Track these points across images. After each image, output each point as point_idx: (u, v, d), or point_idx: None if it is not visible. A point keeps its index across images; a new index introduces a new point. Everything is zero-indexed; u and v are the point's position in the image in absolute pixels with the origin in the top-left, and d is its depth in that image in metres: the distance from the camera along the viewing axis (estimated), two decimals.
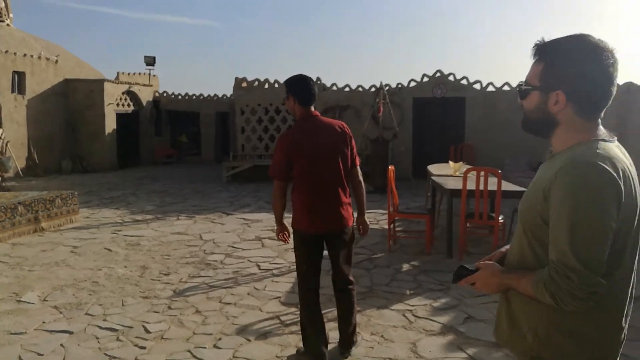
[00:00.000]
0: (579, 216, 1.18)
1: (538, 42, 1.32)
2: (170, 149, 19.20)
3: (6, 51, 13.89)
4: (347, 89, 14.18)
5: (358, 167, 3.21)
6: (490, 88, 12.98)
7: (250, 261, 5.64)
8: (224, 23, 67.10)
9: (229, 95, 17.97)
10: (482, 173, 5.01)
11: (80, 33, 55.15)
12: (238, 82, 14.33)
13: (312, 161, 2.96)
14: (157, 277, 5.00)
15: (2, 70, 13.72)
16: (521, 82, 1.40)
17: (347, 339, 3.27)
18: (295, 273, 3.27)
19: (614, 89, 1.28)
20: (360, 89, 14.10)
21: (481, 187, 4.99)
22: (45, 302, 4.23)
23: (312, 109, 3.08)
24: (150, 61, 18.98)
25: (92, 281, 4.82)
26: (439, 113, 13.52)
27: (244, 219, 8.16)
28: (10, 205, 6.53)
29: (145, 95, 18.26)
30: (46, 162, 15.08)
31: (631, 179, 1.23)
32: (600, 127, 1.31)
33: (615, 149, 1.27)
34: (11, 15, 16.94)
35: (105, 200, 10.07)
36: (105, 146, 16.15)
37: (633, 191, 1.23)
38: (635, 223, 1.25)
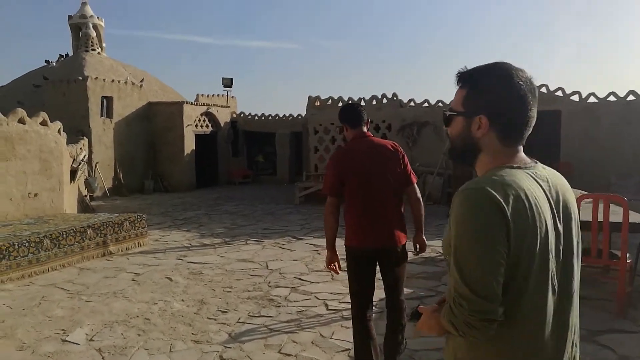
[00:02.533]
0: (462, 242, 1.19)
1: (460, 70, 1.35)
2: (247, 169, 19.28)
3: (96, 77, 14.61)
4: (425, 104, 13.35)
5: (415, 185, 3.19)
6: (592, 99, 11.53)
7: (318, 298, 5.02)
8: (302, 45, 68.46)
9: (303, 115, 17.75)
10: (601, 201, 4.04)
11: (165, 59, 58.76)
12: (311, 101, 14.00)
13: (363, 179, 2.98)
14: (213, 315, 4.52)
15: (92, 95, 14.41)
16: (444, 110, 1.41)
17: (393, 352, 3.19)
18: None
19: (533, 115, 1.29)
20: (440, 104, 13.21)
21: (599, 218, 4.02)
22: (90, 343, 3.87)
23: (364, 129, 3.15)
24: (228, 83, 19.31)
25: (145, 318, 4.43)
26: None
27: (313, 245, 7.59)
28: (79, 228, 6.45)
29: (223, 117, 18.52)
30: (130, 181, 15.60)
31: (533, 206, 1.20)
32: (521, 153, 1.32)
33: (522, 175, 1.25)
34: (104, 44, 17.96)
35: (178, 222, 9.98)
36: (184, 166, 16.46)
37: (534, 217, 1.20)
38: (539, 250, 1.20)
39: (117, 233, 6.97)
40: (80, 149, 12.15)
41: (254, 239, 8.06)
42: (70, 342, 3.87)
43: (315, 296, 5.08)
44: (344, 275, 5.89)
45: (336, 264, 3.24)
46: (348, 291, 5.28)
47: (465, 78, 1.33)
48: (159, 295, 5.10)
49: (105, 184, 14.60)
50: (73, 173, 8.92)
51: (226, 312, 4.61)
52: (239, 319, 4.43)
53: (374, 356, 3.06)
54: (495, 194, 1.17)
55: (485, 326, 1.17)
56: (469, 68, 1.34)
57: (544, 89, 11.96)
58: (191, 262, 6.51)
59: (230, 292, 5.24)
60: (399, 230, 3.06)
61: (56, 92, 14.70)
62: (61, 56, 17.99)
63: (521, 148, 1.32)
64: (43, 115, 7.75)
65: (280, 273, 5.99)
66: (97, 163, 14.40)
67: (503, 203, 1.17)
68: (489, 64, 1.32)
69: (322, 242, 7.73)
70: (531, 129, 1.31)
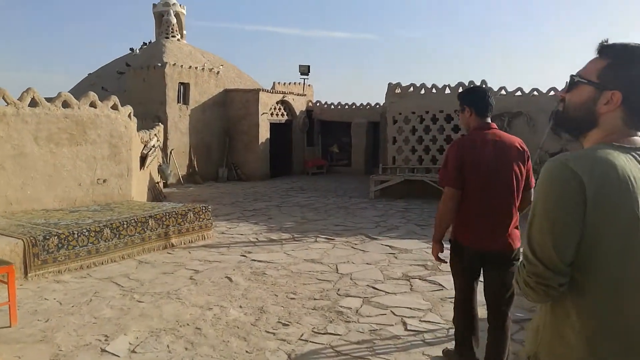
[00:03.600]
0: (536, 208, 1.24)
1: (603, 41, 1.29)
2: (321, 159, 18.73)
3: (174, 64, 14.63)
4: (518, 93, 11.98)
5: (532, 190, 2.93)
6: None
7: (395, 314, 4.24)
8: (381, 35, 66.69)
9: (381, 104, 16.83)
10: None
11: (245, 49, 59.75)
12: (391, 88, 13.06)
13: (486, 175, 2.77)
14: (273, 328, 3.90)
15: (170, 81, 14.46)
16: (573, 74, 1.34)
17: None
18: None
19: None
20: (535, 92, 11.78)
21: None
22: (131, 356, 3.38)
23: (489, 120, 2.93)
24: (305, 70, 18.80)
25: (196, 327, 3.89)
26: None
27: (389, 246, 6.79)
28: (141, 218, 6.12)
29: (299, 105, 18.06)
30: (205, 169, 15.59)
31: (626, 184, 1.15)
32: (636, 137, 1.26)
33: (622, 155, 1.20)
34: (184, 32, 18.09)
35: (247, 213, 9.57)
36: (258, 155, 16.20)
37: (625, 196, 1.15)
38: (627, 230, 1.16)
39: (180, 224, 6.60)
40: (155, 135, 12.15)
41: (324, 236, 7.41)
42: (109, 352, 3.40)
43: (391, 311, 4.31)
44: (425, 287, 5.08)
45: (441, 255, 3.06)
46: (430, 307, 4.50)
47: (609, 50, 1.27)
48: (215, 298, 4.57)
49: (179, 171, 14.65)
50: (143, 159, 8.76)
51: (287, 325, 3.97)
52: (302, 335, 3.77)
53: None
54: (575, 168, 1.17)
55: (542, 290, 1.23)
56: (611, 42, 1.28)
57: None
58: (255, 260, 5.97)
59: (294, 299, 4.61)
60: (514, 235, 2.87)
61: (136, 78, 14.93)
62: (144, 44, 18.36)
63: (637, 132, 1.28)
64: (114, 99, 7.55)
65: (351, 279, 5.27)
66: (172, 150, 14.47)
67: (583, 177, 1.16)
68: (637, 43, 1.26)
69: (400, 244, 6.93)
70: None
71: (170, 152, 14.50)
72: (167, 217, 6.43)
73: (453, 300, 3.21)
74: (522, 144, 2.91)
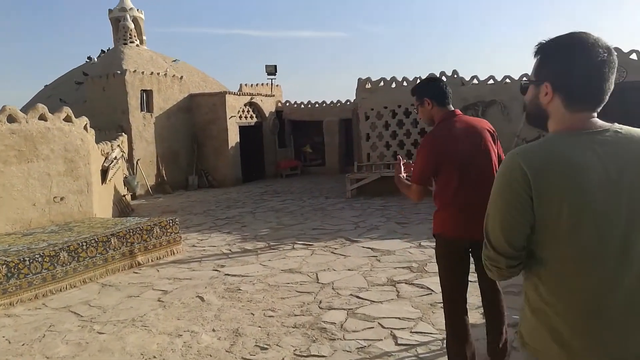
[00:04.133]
0: (491, 198, 1.36)
1: (540, 41, 1.39)
2: (294, 160, 18.34)
3: (134, 70, 14.01)
4: (491, 81, 11.85)
5: None
6: None
7: (383, 326, 3.91)
8: (349, 32, 66.49)
9: (352, 101, 16.55)
10: None
11: (209, 53, 58.65)
12: (361, 83, 12.77)
13: (464, 166, 2.69)
14: (250, 354, 3.51)
15: (131, 89, 13.83)
16: (524, 79, 1.64)
17: (498, 353, 2.91)
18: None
19: (606, 85, 1.31)
20: (507, 80, 11.67)
21: None
22: None
23: (452, 108, 2.85)
24: (272, 70, 18.35)
25: (162, 359, 3.47)
26: (616, 103, 10.47)
27: (371, 248, 6.47)
28: (102, 237, 5.63)
29: (268, 106, 17.62)
30: (174, 178, 15.00)
31: (570, 172, 1.24)
32: (591, 119, 1.33)
33: (573, 140, 1.29)
34: (144, 37, 17.40)
35: (219, 222, 9.12)
36: (229, 160, 15.69)
37: (569, 184, 1.24)
38: (574, 215, 1.24)
39: (146, 241, 6.13)
40: (118, 145, 11.55)
41: (301, 242, 7.04)
42: None
43: (379, 323, 3.97)
44: (413, 293, 4.77)
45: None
46: (420, 315, 4.19)
47: (539, 47, 1.38)
48: (185, 322, 4.15)
49: (147, 181, 14.04)
50: (104, 173, 8.22)
51: (266, 348, 3.59)
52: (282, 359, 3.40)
53: None
54: (520, 160, 1.27)
55: (495, 270, 1.38)
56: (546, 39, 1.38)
57: (634, 56, 10.22)
58: (229, 275, 5.55)
59: (272, 316, 4.22)
60: None
61: (95, 88, 14.25)
62: (103, 51, 17.63)
63: (593, 114, 1.34)
64: (66, 110, 7.02)
65: (333, 288, 4.92)
66: (138, 160, 13.85)
67: (526, 169, 1.25)
68: (561, 35, 1.35)
69: (381, 245, 6.61)
70: (605, 96, 1.32)
71: (137, 163, 13.89)
72: (131, 234, 5.96)
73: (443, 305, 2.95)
74: (490, 125, 2.89)
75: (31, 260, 4.87)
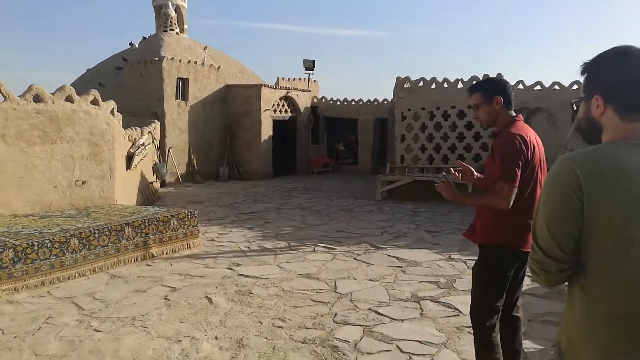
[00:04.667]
0: (540, 199, 1.35)
1: (585, 61, 1.40)
2: (326, 157, 17.99)
3: (172, 58, 13.97)
4: (537, 87, 11.16)
5: None
6: None
7: (401, 350, 3.51)
8: (391, 32, 65.38)
9: (390, 100, 16.05)
10: None
11: (251, 46, 58.73)
12: (399, 82, 12.28)
13: (536, 171, 2.57)
14: None
15: (167, 76, 13.80)
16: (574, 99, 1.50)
17: None
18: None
19: None
20: (556, 86, 10.96)
21: None
22: None
23: (513, 112, 2.68)
24: (310, 65, 18.06)
25: None
26: None
27: (397, 257, 6.05)
28: (115, 226, 5.44)
29: (303, 101, 17.33)
30: (205, 168, 14.93)
31: (626, 179, 1.22)
32: None
33: (625, 150, 1.26)
34: (185, 26, 17.39)
35: (243, 216, 8.88)
36: (261, 153, 15.51)
37: (624, 192, 1.21)
38: (626, 225, 1.21)
39: (162, 232, 5.91)
40: (149, 132, 11.49)
41: (323, 245, 6.68)
42: None
43: (397, 346, 3.58)
44: (438, 312, 4.33)
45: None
46: (445, 340, 3.76)
47: (584, 66, 1.39)
48: (188, 326, 3.86)
49: (178, 169, 14.00)
50: (130, 159, 8.09)
51: None
52: None
53: None
54: (573, 163, 1.26)
55: (544, 275, 1.35)
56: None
57: None
58: (242, 275, 5.26)
59: (281, 327, 3.89)
60: None
61: (134, 74, 14.29)
62: (144, 38, 17.70)
63: None
64: (94, 93, 6.88)
65: (351, 300, 4.54)
66: (170, 148, 13.82)
67: (579, 172, 1.24)
68: (605, 50, 1.37)
69: (408, 255, 6.18)
70: None
71: (169, 150, 13.86)
72: (147, 224, 5.74)
73: (473, 331, 2.69)
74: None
75: (40, 246, 4.70)
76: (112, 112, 7.17)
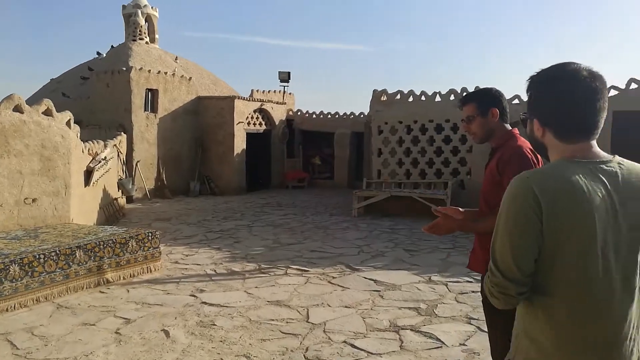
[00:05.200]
0: (498, 221, 1.32)
1: (530, 75, 1.42)
2: (302, 171, 17.59)
3: (140, 68, 13.44)
4: (516, 100, 11.00)
5: None
6: None
7: None
8: (370, 47, 65.77)
9: (367, 114, 15.81)
10: None
11: (225, 58, 58.11)
12: (376, 95, 12.04)
13: None
14: None
15: (136, 87, 13.24)
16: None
17: None
18: None
19: (597, 113, 1.31)
20: None
21: None
22: None
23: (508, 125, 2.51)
24: (285, 77, 17.73)
25: None
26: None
27: (374, 280, 5.67)
28: (65, 250, 4.91)
29: (279, 114, 16.95)
30: (175, 182, 14.34)
31: (579, 197, 1.24)
32: (591, 149, 1.34)
33: (579, 168, 1.29)
34: (156, 36, 16.87)
35: (211, 235, 8.38)
36: (233, 167, 15.01)
37: (578, 209, 1.24)
38: (583, 241, 1.25)
39: (119, 256, 5.39)
40: (114, 145, 10.91)
41: (296, 267, 6.25)
42: None
43: None
44: (419, 344, 3.95)
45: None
46: None
47: (529, 85, 1.41)
48: None
49: (146, 184, 13.39)
50: (89, 174, 7.54)
51: None
52: None
53: None
54: (532, 183, 1.26)
55: (503, 298, 1.31)
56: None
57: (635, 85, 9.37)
58: (206, 303, 4.78)
59: None
60: None
61: (100, 84, 13.68)
62: (113, 47, 17.11)
63: (592, 143, 1.34)
64: (47, 103, 6.35)
65: (324, 331, 4.12)
66: (137, 162, 13.21)
67: (538, 193, 1.24)
68: (547, 67, 1.38)
69: (386, 277, 5.80)
70: (598, 124, 1.32)
71: (136, 164, 13.24)
72: (102, 246, 5.22)
73: None
74: None
75: None
76: (68, 123, 6.64)
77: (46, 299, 4.67)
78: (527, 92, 1.41)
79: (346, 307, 4.76)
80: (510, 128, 2.44)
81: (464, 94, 11.08)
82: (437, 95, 11.32)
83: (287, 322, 4.32)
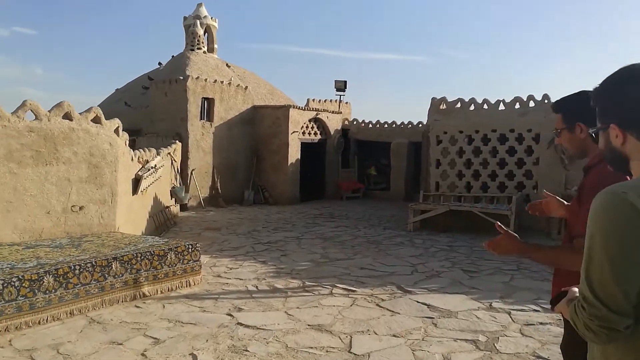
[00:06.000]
0: (592, 244, 1.14)
1: (594, 87, 1.34)
2: (357, 182, 17.13)
3: (197, 77, 13.56)
4: None
5: None
6: None
7: None
8: (430, 57, 64.35)
9: (424, 123, 15.15)
10: None
11: (284, 69, 58.66)
12: (435, 104, 11.41)
13: None
14: None
15: (192, 96, 13.37)
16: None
17: None
18: None
19: None
20: None
21: None
22: None
23: None
24: (341, 86, 17.42)
25: None
26: None
27: (427, 305, 5.12)
28: (100, 261, 4.75)
29: (334, 124, 16.63)
30: (229, 191, 14.33)
31: None
32: None
33: None
34: (215, 46, 17.12)
35: (259, 247, 8.11)
36: (288, 177, 14.82)
37: None
38: None
39: (157, 269, 5.18)
40: (169, 154, 10.98)
41: (343, 286, 5.81)
42: None
43: None
44: None
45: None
46: None
47: (594, 95, 1.33)
48: None
49: (200, 193, 13.44)
50: (137, 182, 7.50)
51: None
52: None
53: None
54: (633, 199, 1.12)
55: (605, 334, 1.14)
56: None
57: None
58: (241, 324, 4.44)
59: None
60: None
61: (159, 93, 13.94)
62: (173, 57, 17.53)
63: None
64: (96, 110, 6.33)
65: None
66: (192, 170, 13.29)
67: (637, 208, 1.11)
68: (611, 74, 1.30)
69: (441, 301, 5.23)
70: None
71: (191, 173, 13.34)
72: (139, 259, 5.03)
73: None
74: None
75: (5, 285, 4.04)
76: (116, 131, 6.60)
77: (80, 312, 4.52)
78: (596, 100, 1.31)
79: (394, 336, 4.26)
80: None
81: (530, 102, 10.27)
82: (501, 103, 10.54)
83: (327, 351, 3.89)
